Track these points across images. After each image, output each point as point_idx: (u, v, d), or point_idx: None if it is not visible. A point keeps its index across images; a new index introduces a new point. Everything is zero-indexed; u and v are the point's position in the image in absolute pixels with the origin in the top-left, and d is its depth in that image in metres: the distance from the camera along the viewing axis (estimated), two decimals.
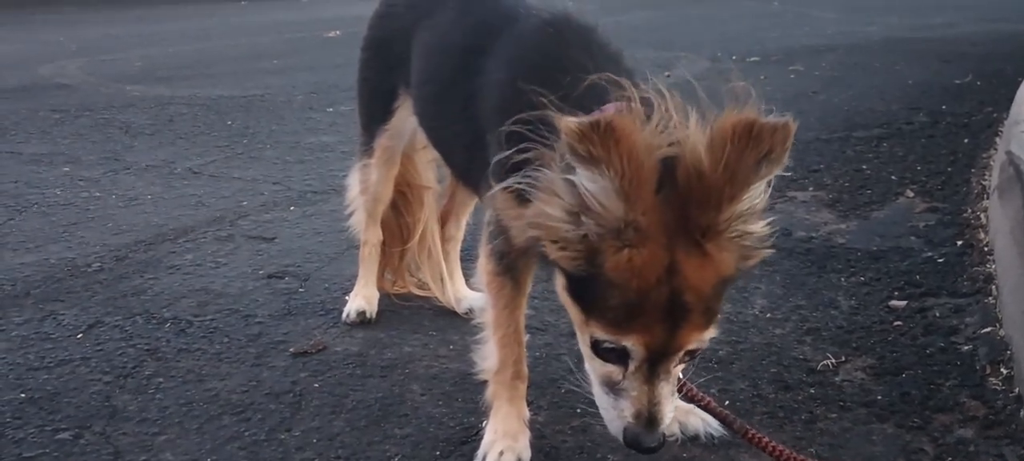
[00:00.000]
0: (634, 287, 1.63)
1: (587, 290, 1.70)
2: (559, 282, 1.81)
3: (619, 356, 1.73)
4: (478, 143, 2.13)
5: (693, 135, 1.59)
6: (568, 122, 1.54)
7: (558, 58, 1.98)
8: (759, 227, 1.70)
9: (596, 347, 1.75)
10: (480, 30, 2.27)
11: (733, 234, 1.65)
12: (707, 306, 1.68)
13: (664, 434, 1.78)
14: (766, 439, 2.04)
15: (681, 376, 2.14)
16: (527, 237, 1.78)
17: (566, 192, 1.64)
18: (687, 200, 1.60)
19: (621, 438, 1.79)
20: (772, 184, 1.66)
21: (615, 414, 1.78)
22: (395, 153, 2.84)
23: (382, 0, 2.86)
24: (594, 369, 1.81)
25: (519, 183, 1.72)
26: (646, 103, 1.67)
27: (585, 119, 1.54)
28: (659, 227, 1.61)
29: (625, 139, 1.54)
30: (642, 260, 1.62)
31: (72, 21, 13.49)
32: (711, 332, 1.74)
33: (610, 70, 1.85)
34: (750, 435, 2.05)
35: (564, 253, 1.68)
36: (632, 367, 1.73)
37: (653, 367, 1.72)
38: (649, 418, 1.75)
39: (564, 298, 1.81)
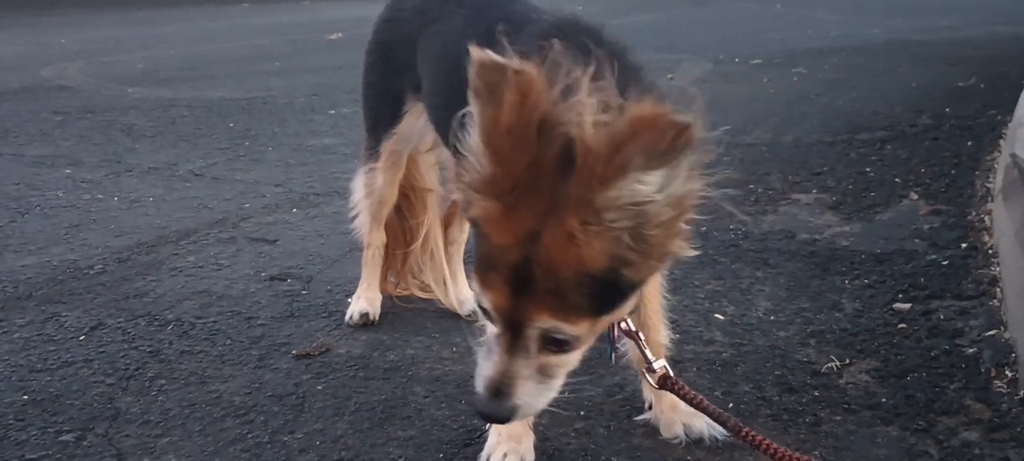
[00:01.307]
0: (493, 242, 1.62)
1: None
2: None
3: (487, 312, 1.72)
4: None
5: (591, 111, 1.52)
6: (477, 51, 1.53)
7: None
8: (651, 232, 1.58)
9: (479, 303, 1.75)
10: (490, 36, 2.26)
11: (604, 223, 1.55)
12: (559, 289, 1.61)
13: (511, 408, 1.74)
14: (760, 437, 2.02)
15: (669, 370, 2.12)
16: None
17: (469, 137, 1.62)
18: (573, 172, 1.54)
19: (475, 398, 1.79)
20: (693, 195, 1.57)
21: (479, 372, 1.77)
22: (401, 157, 2.83)
23: (388, 5, 2.85)
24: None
25: (465, 111, 1.69)
26: (565, 71, 1.58)
27: (495, 56, 1.52)
28: (528, 191, 1.57)
29: (519, 91, 1.50)
30: (497, 216, 1.60)
31: (74, 23, 13.51)
32: (571, 326, 1.66)
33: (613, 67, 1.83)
34: (744, 433, 2.03)
35: (457, 188, 1.68)
36: (495, 328, 1.72)
37: (515, 336, 1.69)
38: (496, 389, 1.72)
39: None
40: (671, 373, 2.12)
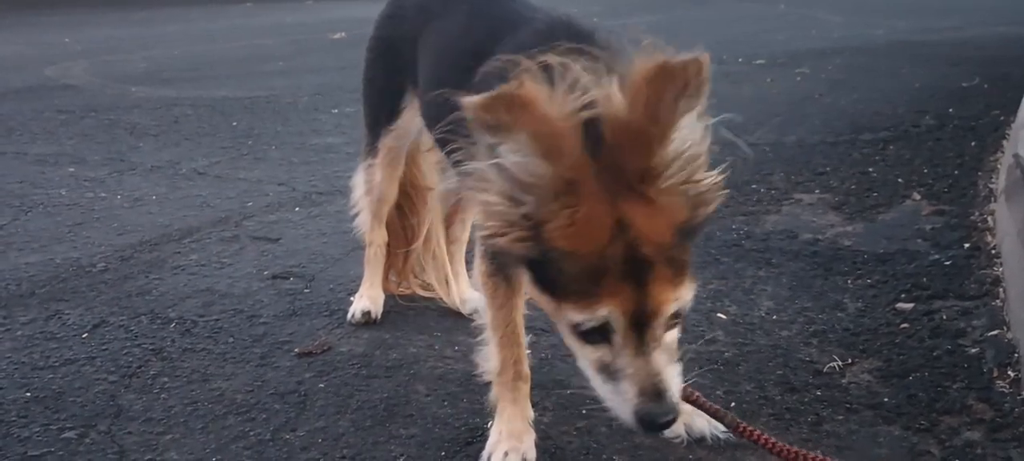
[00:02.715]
0: (587, 249, 1.61)
1: (549, 272, 1.67)
2: (527, 279, 1.78)
3: (602, 333, 1.68)
4: None
5: (608, 89, 1.57)
6: (468, 99, 1.55)
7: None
8: (706, 174, 1.66)
9: (577, 331, 1.70)
10: (488, 34, 2.26)
11: (674, 178, 1.61)
12: (670, 257, 1.63)
13: (676, 405, 1.71)
14: (758, 432, 2.02)
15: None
16: (483, 237, 1.75)
17: (496, 176, 1.62)
18: (618, 152, 1.58)
19: (634, 422, 1.71)
20: (710, 129, 1.66)
21: (620, 400, 1.71)
22: (400, 154, 2.84)
23: (390, 1, 2.85)
24: (586, 359, 1.75)
25: (454, 184, 1.72)
26: (550, 71, 1.64)
27: (485, 94, 1.55)
28: (594, 182, 1.59)
29: (530, 103, 1.54)
30: (585, 217, 1.60)
31: (77, 22, 13.51)
32: (688, 290, 1.68)
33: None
34: (742, 428, 2.03)
35: (513, 239, 1.66)
36: (618, 341, 1.68)
37: (640, 337, 1.67)
38: (655, 391, 1.68)
39: (535, 295, 1.78)
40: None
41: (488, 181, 1.64)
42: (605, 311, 1.64)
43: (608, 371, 1.72)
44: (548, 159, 1.57)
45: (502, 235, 1.67)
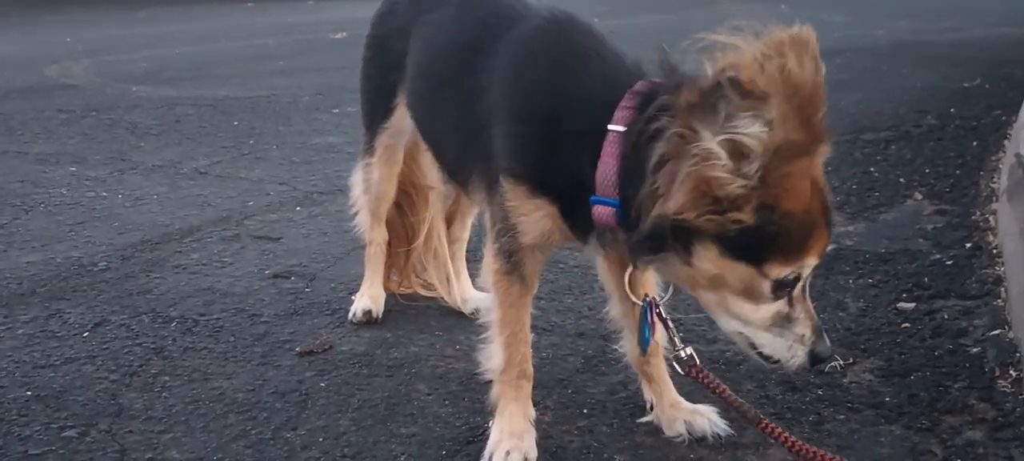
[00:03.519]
0: (803, 207, 1.71)
1: (757, 237, 1.71)
2: (707, 255, 1.76)
3: (790, 285, 1.79)
4: (475, 140, 2.12)
5: (788, 54, 1.63)
6: (728, 70, 1.62)
7: (571, 52, 2.00)
8: None
9: (778, 287, 1.77)
10: (482, 28, 2.26)
11: (823, 137, 1.72)
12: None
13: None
14: (779, 430, 2.02)
15: (696, 361, 2.14)
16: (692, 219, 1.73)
17: (723, 151, 1.64)
18: (797, 112, 1.64)
19: (808, 364, 1.85)
20: None
21: (797, 346, 1.84)
22: (397, 151, 2.83)
23: None
24: (763, 318, 1.83)
25: (688, 170, 1.69)
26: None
27: (732, 63, 1.62)
28: (804, 143, 1.68)
29: (763, 69, 1.61)
30: (801, 176, 1.70)
31: (78, 22, 13.52)
32: None
33: (617, 64, 1.88)
34: (763, 425, 2.04)
35: (744, 212, 1.68)
36: (797, 291, 1.80)
37: (800, 285, 1.81)
38: (820, 330, 1.85)
39: (717, 266, 1.77)
40: (697, 361, 2.12)
41: (717, 157, 1.65)
42: (810, 261, 1.77)
43: (784, 321, 1.83)
44: (783, 123, 1.63)
45: (719, 212, 1.69)
